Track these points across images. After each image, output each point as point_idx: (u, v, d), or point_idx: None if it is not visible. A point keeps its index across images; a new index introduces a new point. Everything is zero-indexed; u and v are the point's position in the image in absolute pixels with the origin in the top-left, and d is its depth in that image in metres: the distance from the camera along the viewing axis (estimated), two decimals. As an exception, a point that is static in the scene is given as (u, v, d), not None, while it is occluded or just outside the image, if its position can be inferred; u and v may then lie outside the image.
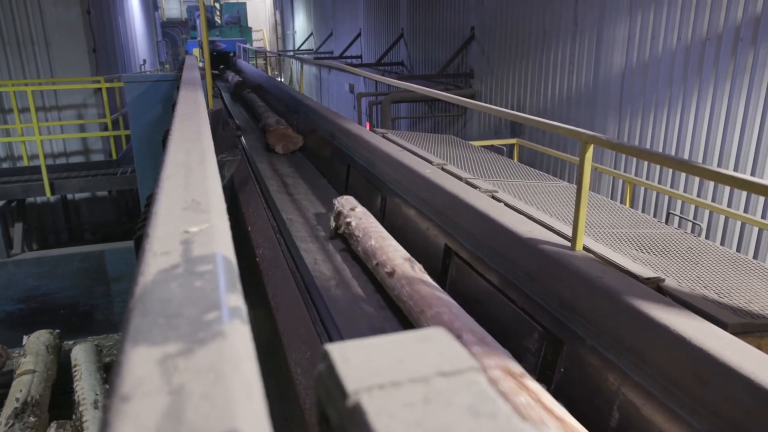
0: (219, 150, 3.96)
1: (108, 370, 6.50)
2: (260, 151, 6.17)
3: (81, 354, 6.53)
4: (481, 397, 0.48)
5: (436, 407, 0.46)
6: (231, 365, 0.59)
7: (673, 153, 5.59)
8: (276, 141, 6.07)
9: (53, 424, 5.54)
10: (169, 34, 33.04)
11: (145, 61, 17.67)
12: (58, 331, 7.03)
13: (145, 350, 0.61)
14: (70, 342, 7.88)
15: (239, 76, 13.02)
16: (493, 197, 3.13)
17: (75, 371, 6.24)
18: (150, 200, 1.59)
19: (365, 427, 0.45)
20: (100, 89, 9.69)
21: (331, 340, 2.48)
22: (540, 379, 2.16)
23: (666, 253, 2.55)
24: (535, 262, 2.32)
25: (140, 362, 0.59)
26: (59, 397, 6.12)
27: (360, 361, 0.50)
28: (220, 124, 7.26)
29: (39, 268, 8.09)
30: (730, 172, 1.80)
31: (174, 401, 0.53)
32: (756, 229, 4.96)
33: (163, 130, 5.23)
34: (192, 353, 0.61)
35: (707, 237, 5.26)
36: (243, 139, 6.48)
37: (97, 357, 6.61)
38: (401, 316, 2.64)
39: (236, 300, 0.74)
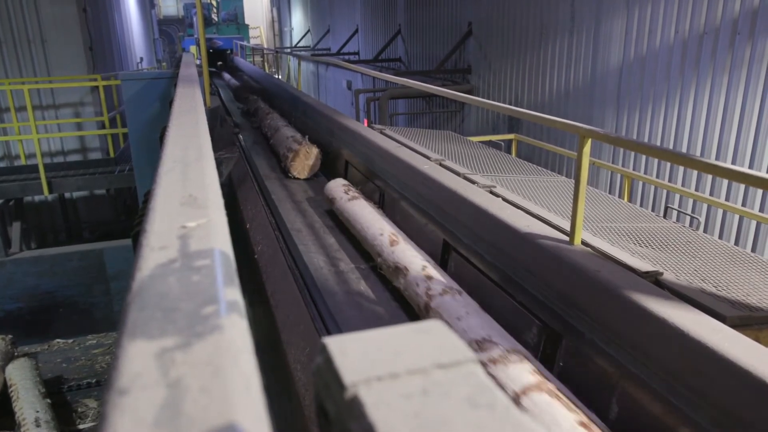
0: (216, 147, 3.94)
1: (47, 385, 6.22)
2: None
3: (15, 372, 6.06)
4: (479, 388, 0.48)
5: (434, 399, 0.46)
6: (229, 358, 0.58)
7: (671, 147, 5.59)
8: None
9: None
10: (166, 32, 32.99)
11: (142, 58, 17.62)
12: (10, 336, 6.72)
13: (142, 344, 0.61)
14: (69, 341, 7.87)
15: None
16: (492, 192, 3.13)
17: (11, 391, 5.83)
18: (148, 196, 1.59)
19: (363, 419, 0.44)
20: (97, 87, 9.65)
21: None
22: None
23: (664, 246, 2.55)
24: (533, 257, 2.32)
25: (138, 356, 0.59)
26: (9, 404, 5.77)
27: (358, 354, 0.50)
28: (217, 121, 7.26)
29: (37, 267, 8.07)
30: (727, 165, 1.80)
31: (172, 394, 0.52)
32: (754, 223, 4.97)
33: (160, 128, 5.22)
34: (190, 347, 0.60)
35: (705, 231, 5.27)
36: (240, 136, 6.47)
37: (33, 372, 6.18)
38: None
39: (234, 294, 0.74)
